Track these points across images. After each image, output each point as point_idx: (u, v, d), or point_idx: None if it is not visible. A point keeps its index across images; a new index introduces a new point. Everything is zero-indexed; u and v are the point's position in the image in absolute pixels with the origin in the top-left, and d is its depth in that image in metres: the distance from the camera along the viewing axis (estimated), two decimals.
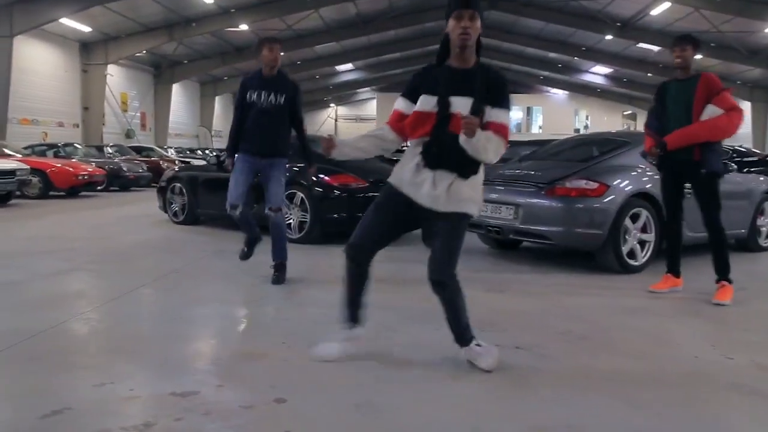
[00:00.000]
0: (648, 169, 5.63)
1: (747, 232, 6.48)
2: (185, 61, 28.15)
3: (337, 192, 6.76)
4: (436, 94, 2.74)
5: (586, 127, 47.05)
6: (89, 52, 22.42)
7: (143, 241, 6.94)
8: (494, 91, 2.74)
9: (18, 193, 11.59)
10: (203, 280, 4.93)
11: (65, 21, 19.04)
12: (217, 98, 34.23)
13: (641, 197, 5.40)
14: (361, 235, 2.86)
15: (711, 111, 4.24)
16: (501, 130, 2.71)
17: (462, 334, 2.91)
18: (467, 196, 2.77)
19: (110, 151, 17.87)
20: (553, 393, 2.63)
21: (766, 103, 31.05)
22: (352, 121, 51.03)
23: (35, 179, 12.35)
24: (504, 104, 2.75)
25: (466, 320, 2.91)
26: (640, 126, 44.95)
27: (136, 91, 26.54)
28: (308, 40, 27.76)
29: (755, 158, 13.18)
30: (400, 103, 2.90)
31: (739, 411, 2.53)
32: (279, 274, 4.69)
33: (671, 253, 4.72)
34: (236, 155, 4.67)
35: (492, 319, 3.72)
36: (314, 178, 6.69)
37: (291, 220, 6.90)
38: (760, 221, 6.63)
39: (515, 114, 47.07)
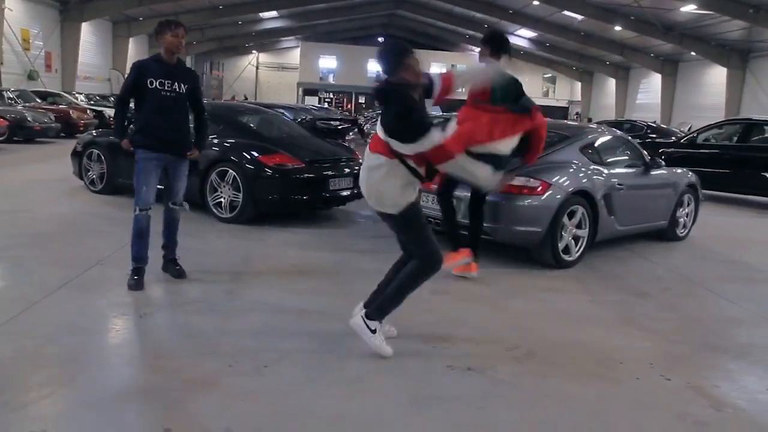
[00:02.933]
0: (583, 165, 5.77)
1: (667, 223, 6.82)
2: None
3: (271, 172, 6.49)
4: None
5: None
6: None
7: (62, 216, 6.45)
8: None
9: None
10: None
11: None
12: (131, 40, 32.08)
13: (578, 194, 5.53)
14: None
15: None
16: None
17: (381, 309, 3.28)
18: None
19: (12, 96, 16.42)
20: (512, 426, 2.67)
21: (672, 77, 32.65)
22: (275, 69, 49.46)
23: None
24: None
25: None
26: (558, 90, 46.35)
27: (40, 28, 24.31)
28: None
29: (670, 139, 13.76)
30: None
31: None
32: (179, 268, 4.54)
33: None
34: (139, 150, 4.25)
35: (440, 331, 3.72)
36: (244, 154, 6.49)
37: (222, 199, 6.61)
38: (679, 213, 6.99)
39: (440, 71, 47.01)
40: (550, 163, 5.62)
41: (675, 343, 3.85)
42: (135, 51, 32.73)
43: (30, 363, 3.05)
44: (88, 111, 18.12)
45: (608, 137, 6.63)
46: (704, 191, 7.57)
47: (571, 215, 5.48)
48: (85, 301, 3.97)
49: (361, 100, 45.77)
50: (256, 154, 6.55)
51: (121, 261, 4.79)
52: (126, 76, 4.48)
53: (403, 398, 2.86)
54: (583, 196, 5.56)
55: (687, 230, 7.17)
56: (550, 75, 46.74)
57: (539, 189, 5.24)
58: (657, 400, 3.02)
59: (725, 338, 4.00)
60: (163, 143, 4.26)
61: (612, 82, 38.69)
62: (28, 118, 14.22)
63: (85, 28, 26.39)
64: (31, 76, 23.21)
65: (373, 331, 3.23)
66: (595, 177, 5.72)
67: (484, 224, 5.29)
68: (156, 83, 4.18)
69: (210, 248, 5.50)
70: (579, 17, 28.23)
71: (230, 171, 6.55)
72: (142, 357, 3.29)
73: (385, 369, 3.15)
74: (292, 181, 6.50)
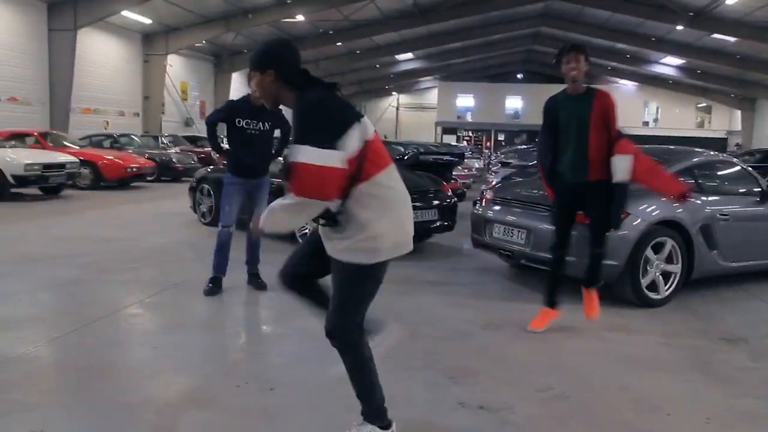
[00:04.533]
0: None
1: None
2: (245, 51, 28.48)
3: None
4: None
5: (655, 120, 44.98)
6: (150, 42, 23.00)
7: (163, 245, 7.00)
8: None
9: (70, 183, 11.99)
10: (196, 299, 4.82)
11: (127, 13, 19.56)
12: None
13: (667, 225, 4.97)
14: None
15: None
16: None
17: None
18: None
19: (165, 141, 18.34)
20: None
21: None
22: (414, 109, 50.64)
23: (86, 171, 12.79)
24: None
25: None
26: (714, 120, 42.71)
27: (196, 80, 27.10)
28: (365, 30, 27.59)
29: None
30: None
31: None
32: (260, 281, 5.06)
33: (551, 285, 4.34)
34: (227, 175, 4.93)
35: (470, 366, 3.48)
36: None
37: (307, 230, 6.80)
38: None
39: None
40: (634, 190, 5.13)
41: (751, 397, 3.26)
42: None
43: (58, 372, 3.29)
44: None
45: (713, 163, 5.92)
46: None
47: (658, 248, 4.93)
48: (140, 319, 4.25)
49: (501, 137, 45.46)
50: None
51: (193, 285, 5.09)
52: (219, 107, 5.21)
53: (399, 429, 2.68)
54: (673, 227, 5.00)
55: None
56: (704, 104, 43.16)
57: None
58: None
59: None
60: (246, 171, 4.91)
61: None
62: (173, 160, 15.82)
63: (235, 77, 28.91)
64: (187, 123, 25.82)
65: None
66: (688, 206, 5.11)
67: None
68: (243, 123, 4.81)
69: None
70: (732, 39, 25.87)
71: None
72: (160, 372, 3.41)
73: (389, 397, 2.95)
74: None
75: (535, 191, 5.57)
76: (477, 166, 18.41)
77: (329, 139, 2.17)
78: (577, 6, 26.49)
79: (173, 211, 9.67)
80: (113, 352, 3.63)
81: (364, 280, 2.38)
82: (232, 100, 5.08)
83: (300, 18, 23.53)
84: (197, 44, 24.75)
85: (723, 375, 3.56)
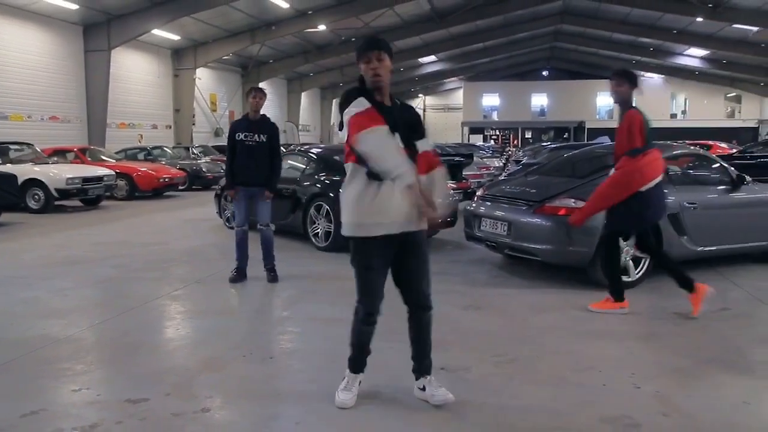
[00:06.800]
0: None
1: None
2: (271, 61, 29.52)
3: None
4: None
5: (683, 112, 44.52)
6: (180, 57, 24.13)
7: (190, 247, 7.75)
8: (417, 126, 3.00)
9: (108, 195, 12.94)
10: (216, 291, 5.56)
11: (157, 32, 20.62)
12: (303, 93, 35.54)
13: None
14: (371, 303, 3.03)
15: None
16: (434, 158, 3.00)
17: (427, 362, 3.14)
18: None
19: (195, 152, 19.30)
20: (432, 419, 2.99)
21: None
22: (441, 110, 51.09)
23: (122, 183, 13.74)
24: (425, 134, 3.01)
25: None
26: (745, 109, 42.01)
27: (225, 91, 28.18)
28: (387, 36, 27.53)
29: None
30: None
31: None
32: (273, 275, 5.83)
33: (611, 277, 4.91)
34: (236, 185, 5.70)
35: (441, 338, 4.05)
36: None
37: (318, 230, 7.48)
38: None
39: (608, 100, 45.33)
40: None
41: (681, 357, 3.78)
42: (307, 102, 36.24)
43: (100, 348, 4.02)
44: None
45: (681, 156, 6.39)
46: None
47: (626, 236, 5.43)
48: (167, 308, 4.98)
49: (528, 135, 45.54)
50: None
51: (215, 280, 5.82)
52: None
53: (364, 385, 3.28)
54: None
55: None
56: (734, 94, 42.60)
57: None
58: (605, 402, 3.11)
59: (742, 355, 3.82)
60: (248, 179, 5.66)
61: None
62: (203, 169, 16.74)
63: (262, 86, 29.89)
64: (217, 133, 26.90)
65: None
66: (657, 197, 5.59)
67: (532, 245, 5.50)
68: (242, 135, 5.60)
69: (306, 271, 6.33)
70: (754, 29, 25.75)
71: (324, 205, 7.41)
72: (182, 348, 4.10)
73: (370, 364, 3.53)
74: None
75: (517, 188, 6.14)
76: (496, 164, 18.89)
77: None
78: (594, 3, 26.70)
79: (201, 217, 10.47)
80: (144, 334, 4.34)
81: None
82: (233, 122, 5.96)
83: (322, 27, 24.33)
84: (224, 57, 25.78)
85: (661, 342, 4.09)
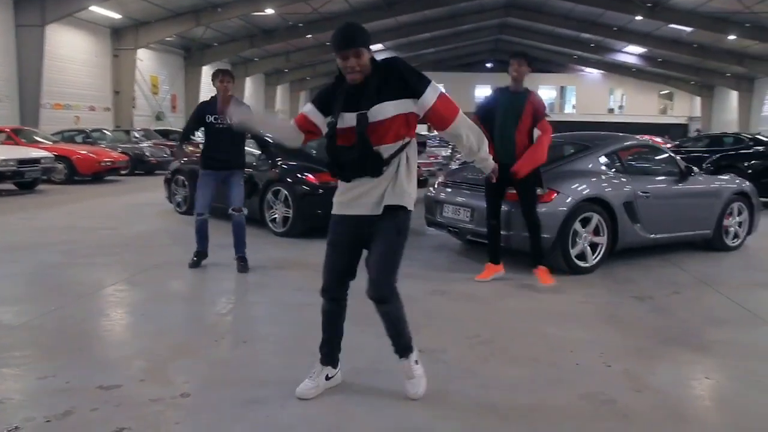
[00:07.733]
0: (602, 174, 5.88)
1: (712, 232, 6.64)
2: (215, 44, 28.76)
3: (318, 190, 7.13)
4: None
5: (620, 107, 46.20)
6: (120, 37, 23.17)
7: (141, 233, 7.50)
8: (407, 80, 2.74)
9: (45, 178, 12.33)
10: (176, 276, 5.41)
11: (95, 8, 19.74)
12: (248, 79, 34.80)
13: (593, 201, 5.64)
14: (329, 279, 2.96)
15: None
16: (451, 109, 2.81)
17: (405, 345, 3.06)
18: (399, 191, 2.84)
19: (137, 135, 18.64)
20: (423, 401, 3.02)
21: None
22: None
23: (61, 166, 13.12)
24: (425, 84, 2.74)
25: (408, 332, 3.08)
26: (677, 106, 43.98)
27: (167, 74, 27.29)
28: (335, 23, 27.75)
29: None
30: (309, 108, 2.92)
31: (576, 419, 2.86)
32: (243, 264, 5.54)
33: (491, 246, 5.40)
34: (201, 171, 5.49)
35: (414, 321, 4.05)
36: (298, 176, 7.18)
37: (276, 216, 7.37)
38: (729, 222, 6.78)
39: (549, 93, 46.53)
40: (565, 172, 5.80)
41: (642, 338, 3.94)
42: (252, 89, 35.52)
43: (61, 334, 3.84)
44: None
45: (635, 147, 6.63)
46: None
47: (585, 222, 5.61)
48: (127, 294, 4.80)
49: None
50: (306, 174, 7.23)
51: (173, 266, 5.65)
52: (190, 118, 5.72)
53: (345, 367, 3.27)
54: (599, 203, 5.67)
55: (740, 240, 6.92)
56: (667, 91, 44.55)
57: (546, 196, 5.44)
58: (579, 380, 3.22)
59: (697, 335, 4.02)
60: (217, 163, 5.45)
61: (734, 95, 36.14)
62: (146, 154, 16.19)
63: (205, 70, 29.05)
64: (159, 117, 26.07)
65: (416, 362, 3.11)
66: (613, 185, 5.81)
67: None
68: (211, 118, 5.37)
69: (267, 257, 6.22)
70: (688, 29, 26.96)
71: (282, 190, 7.30)
72: (148, 333, 3.97)
73: (344, 347, 3.53)
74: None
75: (479, 174, 6.22)
76: (444, 154, 19.16)
77: None
78: None
79: (149, 202, 10.13)
80: (104, 319, 4.18)
81: (408, 225, 2.93)
82: (202, 102, 5.62)
83: (269, 11, 23.90)
84: (167, 38, 24.96)
85: (624, 323, 4.26)
